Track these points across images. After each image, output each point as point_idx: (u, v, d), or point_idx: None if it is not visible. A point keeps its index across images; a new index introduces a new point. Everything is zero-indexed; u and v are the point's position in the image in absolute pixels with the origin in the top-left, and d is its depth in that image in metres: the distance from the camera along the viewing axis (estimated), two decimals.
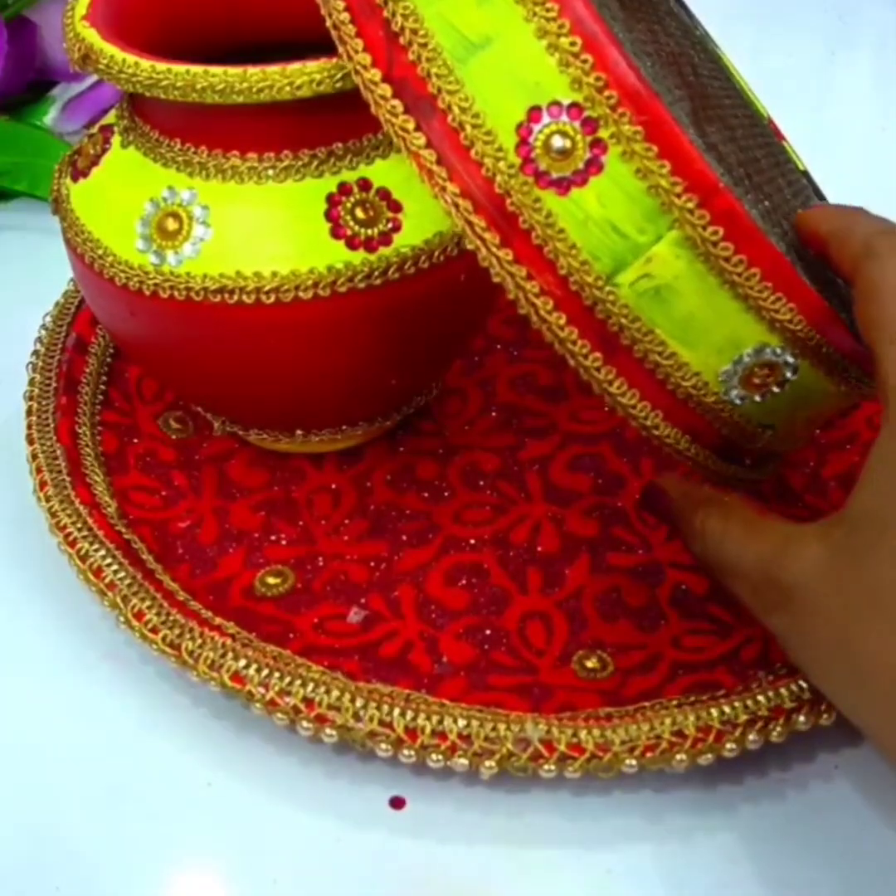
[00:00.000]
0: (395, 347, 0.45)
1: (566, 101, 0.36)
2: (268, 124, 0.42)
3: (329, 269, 0.42)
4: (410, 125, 0.37)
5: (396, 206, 0.43)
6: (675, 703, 0.42)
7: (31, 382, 0.50)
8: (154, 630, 0.42)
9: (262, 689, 0.41)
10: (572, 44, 0.36)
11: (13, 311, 0.55)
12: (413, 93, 0.37)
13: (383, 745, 0.40)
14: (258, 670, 0.41)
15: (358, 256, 0.42)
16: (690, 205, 0.36)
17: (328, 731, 0.40)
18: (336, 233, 0.42)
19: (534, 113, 0.36)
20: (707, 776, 0.42)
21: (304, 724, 0.40)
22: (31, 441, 0.48)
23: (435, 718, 0.40)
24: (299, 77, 0.40)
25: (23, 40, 0.55)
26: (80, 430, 0.50)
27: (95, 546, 0.44)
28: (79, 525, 0.45)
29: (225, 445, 0.51)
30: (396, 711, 0.40)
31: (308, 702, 0.40)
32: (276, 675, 0.41)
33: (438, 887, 0.40)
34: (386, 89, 0.37)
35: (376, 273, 0.42)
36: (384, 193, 0.43)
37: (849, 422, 0.52)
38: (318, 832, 0.41)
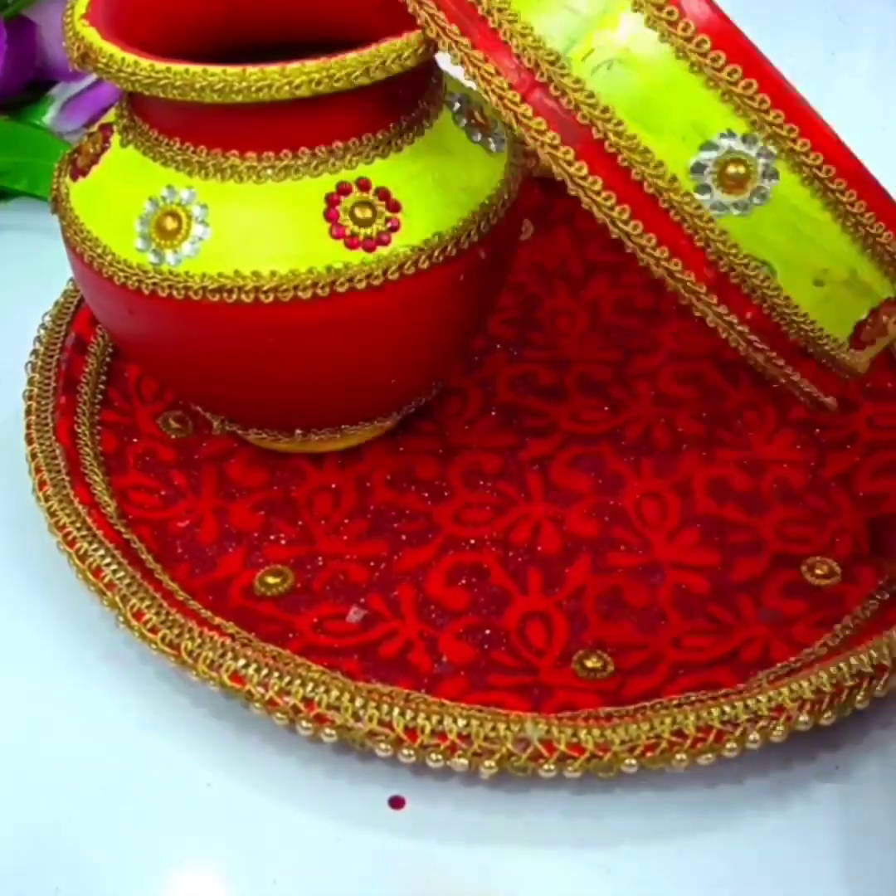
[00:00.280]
0: (395, 348, 0.45)
1: None
2: (267, 123, 0.42)
3: (328, 270, 0.42)
4: None
5: (395, 206, 0.43)
6: (675, 702, 0.42)
7: (31, 382, 0.50)
8: (153, 630, 0.42)
9: (261, 689, 0.41)
10: None
11: (13, 311, 0.55)
12: None
13: (383, 745, 0.40)
14: (257, 670, 0.41)
15: (356, 256, 0.42)
16: None
17: (328, 730, 0.40)
18: (335, 232, 0.42)
19: None
20: (708, 776, 0.42)
21: (304, 723, 0.40)
22: (29, 441, 0.48)
23: (434, 718, 0.40)
24: (298, 76, 0.40)
25: (22, 40, 0.55)
26: (79, 430, 0.49)
27: (94, 546, 0.44)
28: (78, 525, 0.45)
29: (224, 445, 0.51)
30: (396, 711, 0.40)
31: (307, 701, 0.40)
32: (276, 674, 0.41)
33: (438, 887, 0.40)
34: None
35: (375, 273, 0.42)
36: (383, 193, 0.43)
37: (849, 420, 0.52)
38: (318, 832, 0.41)
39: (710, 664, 0.44)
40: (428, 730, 0.40)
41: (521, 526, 0.49)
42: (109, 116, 0.46)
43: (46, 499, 0.46)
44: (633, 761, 0.40)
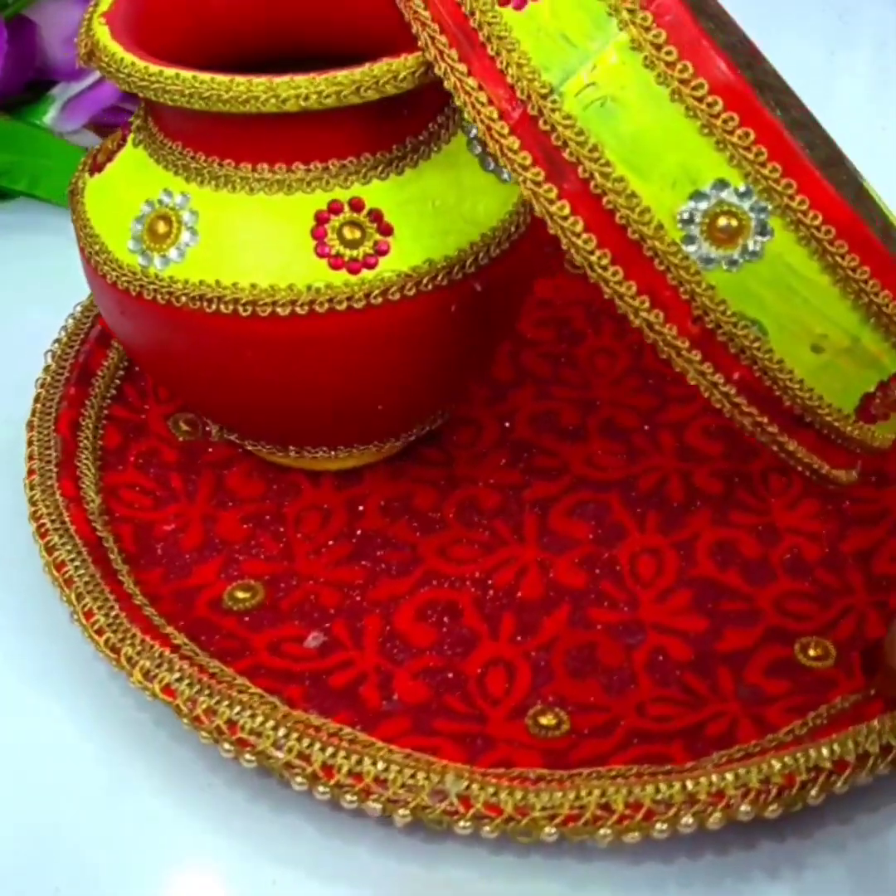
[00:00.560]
0: (378, 373, 0.44)
1: None
2: (264, 135, 0.41)
3: (308, 288, 0.41)
4: None
5: (387, 229, 0.42)
6: (611, 773, 0.40)
7: (46, 370, 0.51)
8: (99, 631, 0.42)
9: (189, 705, 0.40)
10: None
11: (12, 311, 0.56)
12: None
13: (299, 779, 0.39)
14: (190, 685, 0.40)
15: (339, 277, 0.41)
16: (634, 6, 0.36)
17: (248, 755, 0.39)
18: (320, 251, 0.41)
19: None
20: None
21: (226, 746, 0.40)
22: (30, 428, 0.48)
23: (353, 758, 0.39)
24: (286, 91, 0.39)
25: (23, 40, 0.55)
26: (83, 422, 0.50)
27: (64, 540, 0.44)
28: (53, 517, 0.45)
29: (228, 453, 0.51)
30: (316, 745, 0.39)
31: (231, 724, 0.40)
32: (206, 692, 0.40)
33: None
34: None
35: (357, 296, 0.41)
36: (376, 215, 0.42)
37: (883, 495, 0.49)
38: (318, 835, 0.41)
39: (668, 736, 0.42)
40: (345, 769, 0.39)
41: (506, 568, 0.47)
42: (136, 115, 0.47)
43: (31, 487, 0.46)
44: (553, 830, 0.38)
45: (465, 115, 0.38)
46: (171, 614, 0.45)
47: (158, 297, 0.42)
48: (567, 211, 0.37)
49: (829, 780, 0.38)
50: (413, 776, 0.38)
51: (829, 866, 0.40)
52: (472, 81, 0.38)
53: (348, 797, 0.38)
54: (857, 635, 0.45)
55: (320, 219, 0.42)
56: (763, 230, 0.37)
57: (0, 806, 0.42)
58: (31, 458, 0.47)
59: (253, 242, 0.42)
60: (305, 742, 0.39)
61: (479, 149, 0.44)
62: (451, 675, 0.44)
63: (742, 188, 0.37)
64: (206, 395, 0.46)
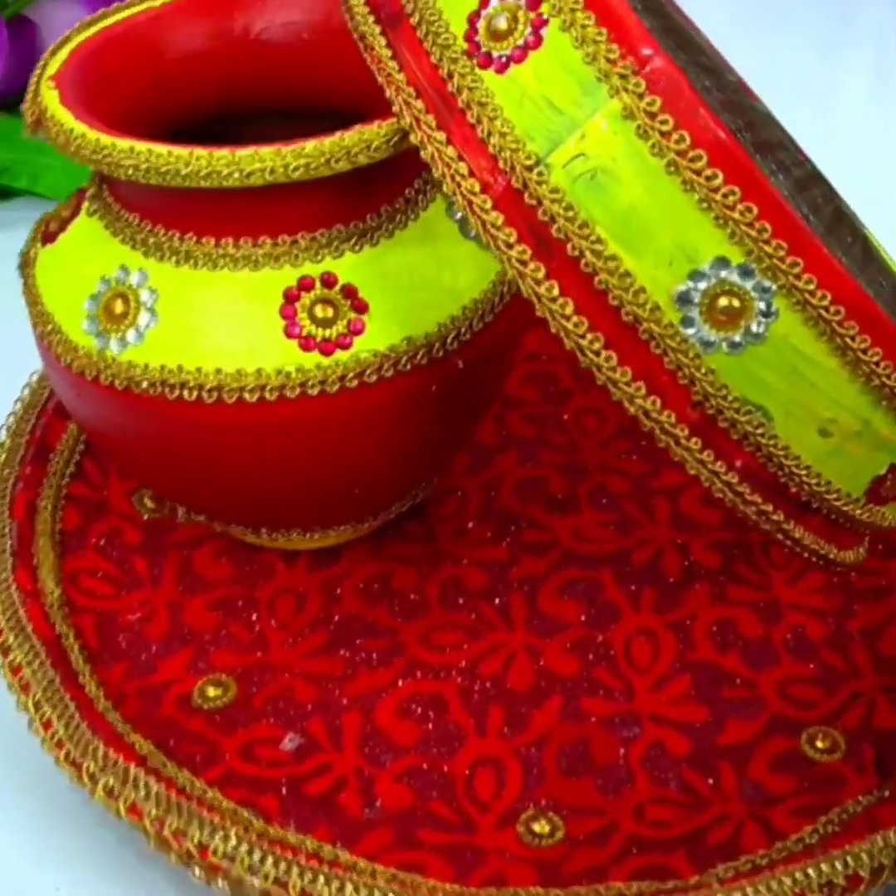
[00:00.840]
0: (354, 458, 0.41)
1: None
2: (228, 207, 0.38)
3: (278, 372, 0.38)
4: (376, 30, 0.37)
5: (362, 306, 0.39)
6: (612, 892, 0.37)
7: (1, 447, 0.48)
8: (59, 743, 0.39)
9: (157, 826, 0.37)
10: None
11: (12, 313, 0.52)
12: (388, 11, 0.37)
13: None
14: (157, 804, 0.37)
15: (311, 359, 0.38)
16: (626, 72, 0.33)
17: (220, 882, 0.36)
18: (290, 331, 0.39)
19: (484, 0, 0.36)
20: None
21: (197, 870, 0.37)
22: None
23: (334, 884, 0.36)
24: (250, 164, 0.36)
25: (23, 39, 0.53)
26: (40, 504, 0.47)
27: (20, 640, 0.41)
28: (8, 615, 0.42)
29: (197, 531, 0.48)
30: (295, 871, 0.36)
31: (202, 848, 0.37)
32: (175, 811, 0.37)
33: None
34: (365, 10, 0.38)
35: (331, 379, 0.38)
36: (350, 291, 0.39)
37: (889, 566, 0.46)
38: None
39: (668, 845, 0.39)
40: None
41: (493, 656, 0.44)
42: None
43: None
44: None
45: (444, 188, 0.36)
46: (137, 717, 0.42)
47: (116, 382, 0.39)
48: (556, 292, 0.35)
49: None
50: None
51: None
52: (451, 151, 0.35)
53: None
54: (865, 725, 0.42)
55: (290, 296, 0.39)
56: (767, 311, 0.34)
57: None
58: None
59: (217, 324, 0.39)
60: (283, 866, 0.36)
61: (458, 215, 0.41)
62: (436, 776, 0.41)
63: (744, 267, 0.34)
64: (172, 480, 0.43)
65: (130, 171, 0.37)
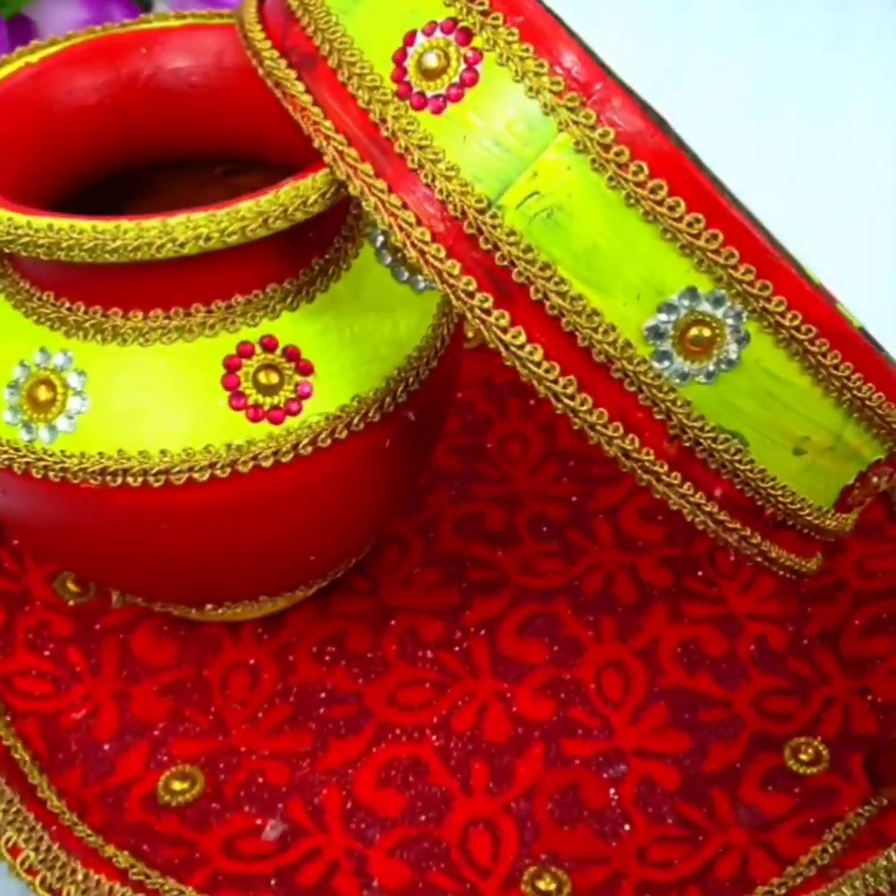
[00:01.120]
0: (310, 525, 0.39)
1: (441, 19, 0.33)
2: (154, 278, 0.36)
3: (228, 448, 0.36)
4: (292, 75, 0.35)
5: (307, 368, 0.37)
6: None
7: None
8: (31, 870, 0.36)
9: None
10: None
11: None
12: (300, 53, 0.35)
13: None
14: None
15: (261, 430, 0.36)
16: (574, 104, 0.32)
17: None
18: (235, 403, 0.36)
19: (409, 37, 0.34)
20: None
21: None
22: None
23: None
24: (183, 233, 0.34)
25: (23, 39, 0.50)
26: None
27: None
28: None
29: (130, 612, 0.45)
30: None
31: None
32: None
33: None
34: (274, 54, 0.36)
35: (284, 449, 0.36)
36: (292, 353, 0.37)
37: (836, 563, 0.46)
38: None
39: (679, 885, 0.38)
40: None
41: (464, 709, 0.43)
42: None
43: None
44: None
45: (392, 239, 0.34)
46: (105, 826, 0.39)
47: (50, 474, 0.36)
48: (523, 339, 0.33)
49: None
50: None
51: None
52: (394, 199, 0.33)
53: None
54: (844, 731, 0.42)
55: (231, 365, 0.36)
56: (739, 337, 0.34)
57: None
58: None
59: (156, 402, 0.36)
60: None
61: (388, 259, 0.40)
62: (429, 844, 0.39)
63: (714, 294, 0.33)
64: (111, 569, 0.40)
65: (52, 250, 0.34)
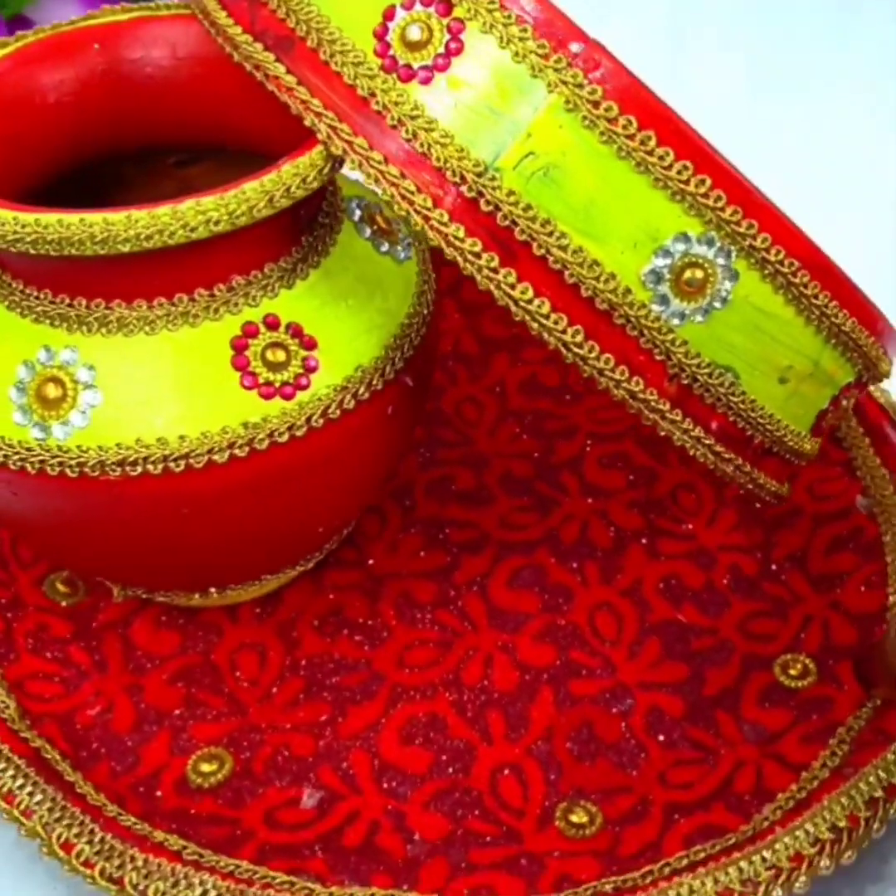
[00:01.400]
0: (324, 494, 0.39)
1: None
2: (155, 266, 0.36)
3: (245, 426, 0.37)
4: (270, 57, 0.36)
5: (311, 343, 0.37)
6: (684, 862, 0.38)
7: None
8: (87, 863, 0.36)
9: None
10: None
11: None
12: (274, 35, 0.36)
13: None
14: None
15: (275, 407, 0.37)
16: (561, 64, 0.34)
17: None
18: (247, 382, 0.37)
19: (388, 12, 0.35)
20: None
21: None
22: None
23: None
24: (194, 217, 0.34)
25: None
26: None
27: (1, 764, 0.38)
28: None
29: (125, 606, 0.45)
30: None
31: None
32: None
33: None
34: (248, 38, 0.36)
35: (298, 423, 0.37)
36: (295, 329, 0.37)
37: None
38: None
39: (704, 803, 0.40)
40: None
41: (471, 663, 0.44)
42: None
43: None
44: None
45: (395, 209, 0.35)
46: (145, 814, 0.39)
47: (67, 470, 0.37)
48: (530, 294, 0.35)
49: (885, 808, 0.38)
50: None
51: None
52: (393, 170, 0.35)
53: None
54: (826, 644, 0.44)
55: (238, 346, 0.37)
56: (729, 275, 0.36)
57: None
58: None
59: (169, 388, 0.37)
60: None
61: (367, 231, 0.41)
62: (461, 795, 0.41)
63: (704, 236, 0.35)
64: (126, 561, 0.40)
65: (59, 246, 0.34)
